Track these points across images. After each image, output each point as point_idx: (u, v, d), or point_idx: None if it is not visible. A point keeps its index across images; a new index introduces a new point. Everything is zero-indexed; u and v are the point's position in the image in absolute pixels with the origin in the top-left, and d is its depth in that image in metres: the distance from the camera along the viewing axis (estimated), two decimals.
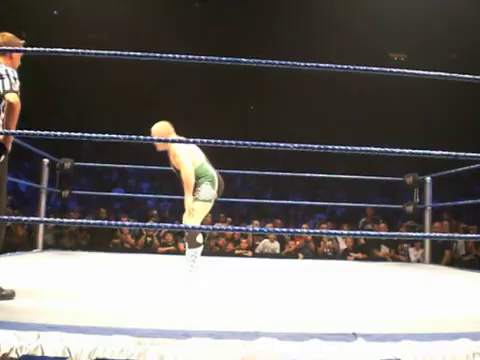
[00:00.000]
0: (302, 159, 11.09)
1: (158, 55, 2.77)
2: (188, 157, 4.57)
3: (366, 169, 11.22)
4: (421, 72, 3.11)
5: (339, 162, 13.09)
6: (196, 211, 4.57)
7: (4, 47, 3.31)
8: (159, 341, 2.22)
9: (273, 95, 15.39)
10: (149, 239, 9.05)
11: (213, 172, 4.70)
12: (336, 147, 2.86)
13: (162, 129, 4.71)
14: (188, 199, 4.54)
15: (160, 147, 4.74)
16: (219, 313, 3.01)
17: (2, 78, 3.23)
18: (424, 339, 2.38)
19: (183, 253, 4.85)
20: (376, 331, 2.51)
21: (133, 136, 2.71)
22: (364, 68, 2.97)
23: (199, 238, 4.59)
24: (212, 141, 2.78)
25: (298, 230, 2.71)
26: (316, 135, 10.48)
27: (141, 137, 2.76)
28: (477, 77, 3.20)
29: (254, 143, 2.87)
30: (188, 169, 4.54)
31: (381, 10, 13.74)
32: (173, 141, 3.99)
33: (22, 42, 3.49)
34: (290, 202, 10.27)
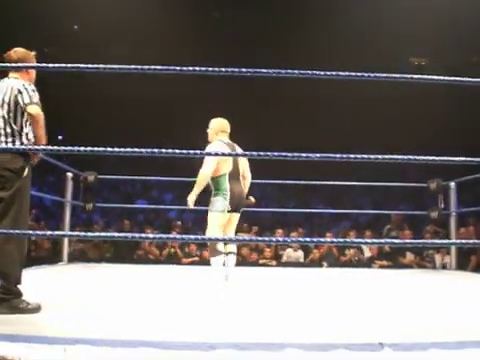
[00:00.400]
0: (325, 167, 11.02)
1: (178, 68, 2.79)
2: (214, 161, 4.67)
3: (389, 175, 11.14)
4: (440, 77, 3.09)
5: (362, 169, 12.99)
6: (210, 221, 4.77)
7: (19, 64, 3.36)
8: (185, 353, 2.22)
9: (291, 104, 15.35)
10: (173, 250, 9.06)
11: (227, 186, 4.79)
12: (359, 156, 2.85)
13: (215, 124, 4.99)
14: (190, 196, 4.73)
15: (210, 138, 4.98)
16: (244, 324, 3.00)
17: (21, 92, 3.29)
18: (451, 347, 2.36)
19: (208, 263, 4.90)
20: (403, 340, 2.49)
21: (155, 149, 2.74)
22: (384, 75, 2.95)
23: (220, 247, 4.69)
24: (240, 152, 2.79)
25: (321, 239, 2.70)
26: (336, 142, 10.49)
27: (163, 150, 2.77)
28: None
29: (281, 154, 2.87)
30: (204, 171, 4.69)
31: (399, 14, 13.67)
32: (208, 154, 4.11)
33: (33, 53, 3.54)
34: (313, 210, 10.24)
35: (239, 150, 4.91)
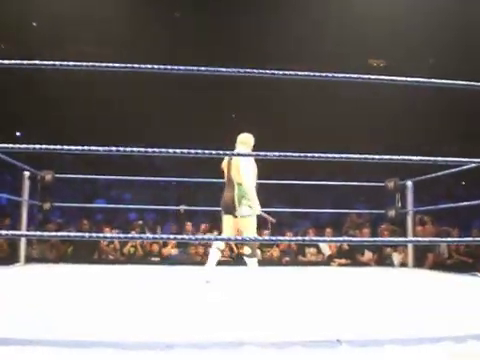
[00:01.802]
0: (285, 167, 11.09)
1: (143, 66, 2.76)
2: (252, 172, 5.13)
3: (348, 175, 11.28)
4: (399, 78, 3.15)
5: (321, 169, 13.11)
6: None
7: None
8: (141, 353, 2.20)
9: (255, 103, 15.41)
10: (133, 250, 8.99)
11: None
12: (316, 154, 2.87)
13: (247, 139, 5.33)
14: (256, 206, 5.11)
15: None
16: (201, 323, 2.99)
17: None
18: (408, 344, 2.40)
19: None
20: (360, 337, 2.52)
21: (122, 148, 2.71)
22: (331, 75, 2.99)
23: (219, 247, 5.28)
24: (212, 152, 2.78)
25: (280, 238, 2.71)
26: (299, 142, 10.55)
27: (135, 149, 2.75)
28: (455, 82, 3.23)
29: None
30: (250, 182, 5.08)
31: (360, 16, 13.85)
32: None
33: None
34: (272, 209, 10.23)
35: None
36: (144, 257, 8.96)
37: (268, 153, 2.93)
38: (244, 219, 5.08)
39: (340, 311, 3.54)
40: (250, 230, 5.05)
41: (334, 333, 2.58)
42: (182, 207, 10.06)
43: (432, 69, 14.65)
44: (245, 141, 5.27)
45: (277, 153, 2.90)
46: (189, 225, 9.55)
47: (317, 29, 13.94)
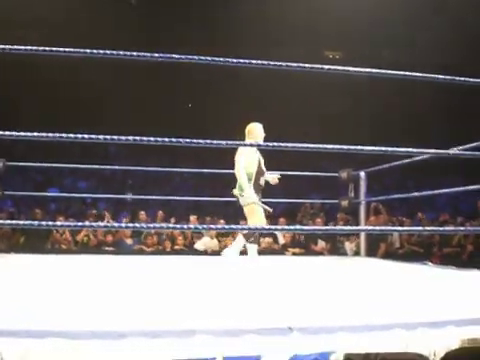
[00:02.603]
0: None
1: (94, 51, 2.72)
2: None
3: (303, 165, 11.37)
4: (353, 69, 3.18)
5: (275, 158, 13.19)
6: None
7: None
8: (93, 343, 2.18)
9: (211, 91, 15.37)
10: (86, 239, 8.88)
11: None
12: (270, 144, 2.89)
13: (251, 128, 5.29)
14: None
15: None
16: (154, 311, 2.99)
17: None
18: (358, 331, 2.44)
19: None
20: (311, 324, 2.55)
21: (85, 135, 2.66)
22: (285, 64, 3.01)
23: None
24: (149, 139, 2.76)
25: (233, 226, 2.72)
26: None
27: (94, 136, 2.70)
28: (407, 73, 3.29)
29: (187, 141, 2.86)
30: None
31: (316, 8, 13.93)
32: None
33: None
34: (227, 199, 10.19)
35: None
36: (98, 246, 8.86)
37: (230, 141, 2.93)
38: (246, 208, 5.16)
39: (292, 299, 3.58)
40: (253, 218, 5.08)
41: (286, 320, 2.60)
42: (129, 196, 9.97)
43: (386, 61, 14.84)
44: (249, 130, 5.28)
45: (233, 141, 2.90)
46: (143, 214, 9.48)
47: (274, 19, 13.95)
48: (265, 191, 5.35)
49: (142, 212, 9.54)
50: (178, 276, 5.16)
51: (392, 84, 12.72)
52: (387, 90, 13.66)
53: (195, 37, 13.96)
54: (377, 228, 3.77)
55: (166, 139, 2.83)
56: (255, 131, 5.25)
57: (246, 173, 5.13)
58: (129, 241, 9.07)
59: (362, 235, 7.76)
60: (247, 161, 5.13)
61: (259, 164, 5.21)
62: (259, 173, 5.20)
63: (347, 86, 13.42)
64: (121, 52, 2.79)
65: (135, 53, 2.81)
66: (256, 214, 5.11)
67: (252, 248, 5.16)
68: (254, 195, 5.10)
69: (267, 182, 5.44)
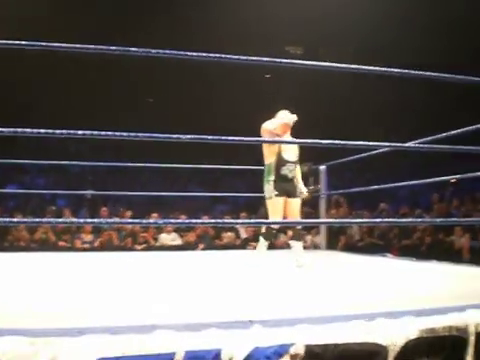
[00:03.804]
0: (205, 151, 11.07)
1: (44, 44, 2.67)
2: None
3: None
4: (314, 63, 3.19)
5: (240, 153, 13.19)
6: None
7: None
8: (53, 340, 2.14)
9: (171, 86, 15.28)
10: (44, 236, 8.74)
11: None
12: (229, 138, 2.88)
13: (278, 115, 5.14)
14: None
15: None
16: (114, 307, 2.96)
17: None
18: (318, 322, 2.45)
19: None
20: (272, 317, 2.56)
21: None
22: (244, 58, 3.01)
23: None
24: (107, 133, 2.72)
25: (194, 220, 2.71)
26: (219, 126, 10.53)
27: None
28: (370, 68, 3.31)
29: (149, 135, 2.84)
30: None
31: (278, 3, 13.94)
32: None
33: None
34: (187, 194, 10.15)
35: None
36: (56, 243, 8.74)
37: (183, 136, 2.90)
38: (266, 202, 5.09)
39: (253, 293, 3.59)
40: (271, 212, 4.99)
41: (247, 314, 2.61)
42: (89, 192, 9.86)
43: (353, 57, 14.94)
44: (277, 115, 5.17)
45: (190, 136, 2.88)
46: (105, 210, 9.39)
47: (235, 13, 13.93)
48: None
49: (104, 208, 9.45)
50: (139, 272, 5.12)
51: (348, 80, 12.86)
52: (348, 85, 13.79)
53: (158, 35, 13.79)
54: (337, 221, 3.81)
55: (167, 135, 2.80)
56: (279, 115, 5.13)
57: (266, 164, 5.05)
58: (89, 237, 8.98)
59: (322, 228, 7.83)
60: (266, 151, 5.03)
61: (279, 154, 5.01)
62: (280, 164, 5.01)
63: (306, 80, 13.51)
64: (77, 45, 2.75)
65: (92, 46, 2.77)
66: (272, 210, 4.99)
67: (262, 244, 5.05)
68: (271, 190, 4.99)
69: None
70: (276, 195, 4.97)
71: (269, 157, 5.03)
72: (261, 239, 5.03)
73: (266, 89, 15.40)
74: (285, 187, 5.04)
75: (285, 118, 5.06)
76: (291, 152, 5.10)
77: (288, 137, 5.08)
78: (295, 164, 5.18)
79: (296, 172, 5.26)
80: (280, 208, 4.98)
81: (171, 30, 14.15)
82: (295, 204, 5.15)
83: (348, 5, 13.68)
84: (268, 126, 4.97)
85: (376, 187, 7.16)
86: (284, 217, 5.03)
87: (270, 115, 5.09)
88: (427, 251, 8.34)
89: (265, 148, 5.02)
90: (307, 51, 16.75)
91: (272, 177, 4.99)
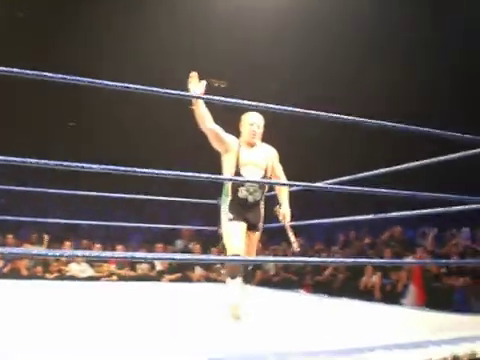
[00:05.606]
0: (123, 179, 10.86)
1: None
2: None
3: (186, 191, 11.34)
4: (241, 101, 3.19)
5: (158, 184, 13.07)
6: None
7: None
8: None
9: (94, 110, 14.98)
10: None
11: None
12: (153, 170, 2.85)
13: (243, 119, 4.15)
14: None
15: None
16: (47, 347, 2.83)
17: None
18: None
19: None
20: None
21: None
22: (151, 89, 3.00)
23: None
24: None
25: (108, 254, 2.64)
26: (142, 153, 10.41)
27: None
28: (288, 108, 3.33)
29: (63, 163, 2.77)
30: None
31: (203, 35, 14.00)
32: None
33: None
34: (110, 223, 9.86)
35: None
36: None
37: (122, 167, 2.84)
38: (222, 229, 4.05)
39: (166, 331, 3.52)
40: (228, 241, 3.91)
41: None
42: None
43: (275, 94, 15.06)
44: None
45: (102, 166, 2.82)
46: (10, 238, 9.00)
47: (160, 43, 13.88)
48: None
49: (9, 236, 9.05)
50: (45, 305, 4.93)
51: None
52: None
53: (80, 57, 13.55)
54: (250, 259, 3.82)
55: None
56: (241, 122, 4.13)
57: (224, 185, 4.01)
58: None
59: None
60: (224, 169, 3.95)
61: (237, 167, 3.87)
62: (237, 184, 3.91)
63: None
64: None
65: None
66: (227, 239, 3.92)
67: (231, 283, 3.85)
68: (227, 212, 3.92)
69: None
70: (230, 219, 3.91)
71: (224, 169, 3.95)
72: (229, 279, 3.86)
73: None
74: (244, 214, 3.94)
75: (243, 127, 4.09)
76: (255, 168, 3.95)
77: (257, 147, 4.04)
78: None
79: (281, 196, 4.24)
80: (238, 234, 3.86)
81: (97, 59, 13.91)
82: (254, 239, 4.11)
83: (277, 40, 13.81)
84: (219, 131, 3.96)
85: (292, 223, 7.22)
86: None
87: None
88: (340, 288, 8.44)
89: (225, 164, 3.96)
90: (231, 86, 16.79)
91: (229, 197, 3.96)
